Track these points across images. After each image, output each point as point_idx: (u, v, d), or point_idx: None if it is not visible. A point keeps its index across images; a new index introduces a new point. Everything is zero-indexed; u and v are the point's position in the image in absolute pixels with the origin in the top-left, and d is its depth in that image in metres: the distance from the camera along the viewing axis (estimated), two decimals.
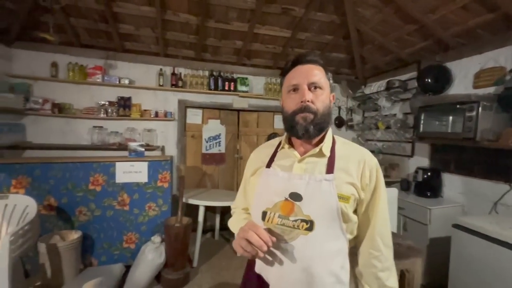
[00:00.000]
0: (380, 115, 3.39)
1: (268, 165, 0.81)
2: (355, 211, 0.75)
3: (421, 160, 2.90)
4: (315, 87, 0.74)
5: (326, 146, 0.76)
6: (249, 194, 0.88)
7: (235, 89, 3.41)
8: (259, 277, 0.78)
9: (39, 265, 2.01)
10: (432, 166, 2.73)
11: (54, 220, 2.26)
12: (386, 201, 0.78)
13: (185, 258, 2.39)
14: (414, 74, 2.97)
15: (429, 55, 2.77)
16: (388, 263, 0.76)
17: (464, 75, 2.45)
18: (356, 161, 0.75)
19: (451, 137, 2.30)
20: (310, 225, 0.69)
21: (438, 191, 2.60)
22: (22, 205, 1.87)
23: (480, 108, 1.99)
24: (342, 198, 0.70)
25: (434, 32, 2.46)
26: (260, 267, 0.78)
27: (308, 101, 0.72)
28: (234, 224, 0.88)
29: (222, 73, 3.36)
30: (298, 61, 0.76)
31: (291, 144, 0.81)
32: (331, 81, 0.80)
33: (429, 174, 2.59)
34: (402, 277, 1.05)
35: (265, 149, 0.88)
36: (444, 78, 2.53)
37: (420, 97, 2.74)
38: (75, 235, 2.19)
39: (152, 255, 2.21)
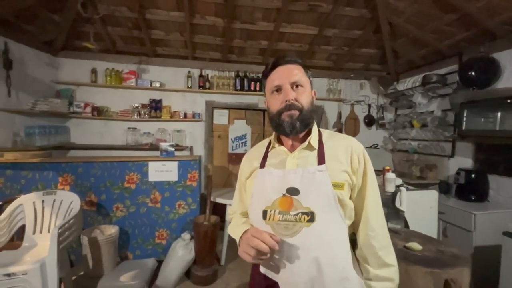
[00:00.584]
0: (415, 113, 3.18)
1: (262, 166, 0.83)
2: (350, 197, 0.78)
3: (463, 160, 2.67)
4: (297, 86, 0.78)
5: (313, 139, 0.80)
6: (246, 198, 0.90)
7: (261, 89, 3.40)
8: (265, 278, 0.78)
9: (82, 256, 2.18)
10: (477, 167, 2.50)
11: (94, 215, 2.43)
12: (376, 184, 0.80)
13: (213, 255, 2.44)
14: (454, 67, 2.74)
15: (472, 46, 2.54)
16: (384, 241, 0.78)
17: None
18: (344, 149, 0.79)
19: (501, 135, 2.09)
20: (311, 217, 0.72)
21: (483, 195, 2.36)
22: (68, 201, 2.04)
23: None
24: (337, 186, 0.74)
25: (478, 20, 2.24)
26: (265, 267, 0.78)
27: (292, 99, 0.76)
28: (234, 230, 0.89)
29: (247, 74, 3.39)
30: (278, 63, 0.80)
31: (280, 143, 0.86)
32: (311, 79, 0.84)
33: (473, 176, 2.37)
34: (447, 287, 0.96)
35: (256, 151, 0.91)
36: (490, 71, 2.30)
37: (462, 92, 2.52)
38: (112, 229, 2.34)
39: (182, 252, 2.28)
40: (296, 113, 0.76)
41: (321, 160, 0.76)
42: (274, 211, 0.75)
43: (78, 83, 3.08)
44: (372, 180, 0.80)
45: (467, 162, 2.62)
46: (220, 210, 2.74)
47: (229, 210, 1.02)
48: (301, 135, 0.82)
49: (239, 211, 0.97)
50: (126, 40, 3.08)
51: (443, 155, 2.88)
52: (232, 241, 2.88)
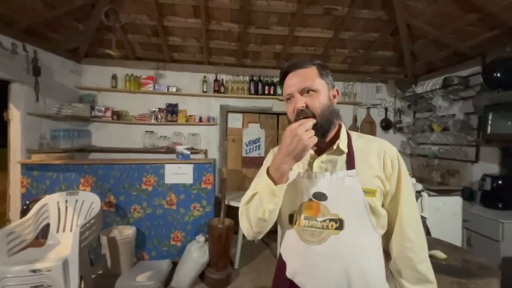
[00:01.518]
0: (435, 116, 3.07)
1: None
2: (383, 205, 0.73)
3: (488, 166, 2.54)
4: (308, 91, 0.73)
5: (342, 142, 0.75)
6: None
7: (275, 93, 3.42)
8: (291, 284, 0.76)
9: (101, 256, 2.25)
10: (504, 173, 2.37)
11: (113, 215, 2.51)
12: (411, 189, 0.75)
13: (227, 258, 2.44)
14: (477, 69, 2.63)
15: (496, 47, 2.43)
16: (423, 254, 0.72)
17: None
18: (376, 152, 0.74)
19: None
20: (339, 224, 0.68)
21: (511, 202, 2.23)
22: (89, 201, 2.11)
23: None
24: (368, 192, 0.69)
25: (502, 19, 2.16)
26: (292, 273, 0.76)
27: (302, 107, 0.72)
28: (254, 187, 0.77)
29: (262, 78, 3.41)
30: (289, 69, 0.77)
31: None
32: (330, 77, 0.77)
33: (500, 182, 2.24)
34: None
35: None
36: None
37: (486, 94, 2.41)
38: (130, 230, 2.40)
39: (197, 254, 2.30)
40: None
41: (351, 164, 0.72)
42: (300, 216, 0.73)
43: (100, 89, 3.21)
44: (407, 186, 0.74)
45: (493, 168, 2.49)
46: (234, 213, 2.75)
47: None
48: (328, 138, 0.77)
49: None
50: (145, 47, 3.19)
51: (466, 160, 2.75)
52: (245, 244, 2.88)
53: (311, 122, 0.67)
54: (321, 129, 0.71)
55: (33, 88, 2.50)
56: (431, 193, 1.81)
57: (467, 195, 2.51)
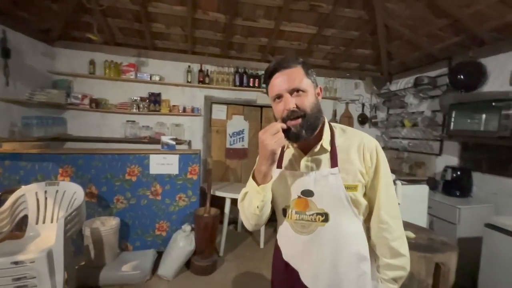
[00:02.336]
0: (406, 113, 3.33)
1: (278, 165, 0.84)
2: (365, 194, 0.80)
3: (449, 158, 2.84)
4: (298, 91, 0.74)
5: (325, 142, 0.80)
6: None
7: (259, 86, 3.47)
8: (287, 265, 0.85)
9: (84, 247, 2.20)
10: (462, 165, 2.67)
11: (95, 206, 2.45)
12: (389, 177, 0.82)
13: (213, 246, 2.51)
14: (444, 70, 2.89)
15: (461, 51, 2.69)
16: (397, 232, 0.80)
17: (500, 72, 2.36)
18: (356, 148, 0.79)
19: (485, 135, 2.24)
20: (325, 217, 0.77)
21: (467, 191, 2.54)
22: (71, 192, 2.05)
23: None
24: (350, 188, 0.76)
25: (468, 26, 2.39)
26: (287, 256, 0.86)
27: (293, 107, 0.73)
28: (247, 187, 0.84)
29: (247, 70, 3.43)
30: (276, 69, 0.76)
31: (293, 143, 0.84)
32: (314, 77, 0.80)
33: (458, 173, 2.54)
34: (437, 269, 1.08)
35: None
36: (477, 75, 2.45)
37: (450, 94, 2.67)
38: (113, 221, 2.36)
39: (183, 243, 2.34)
40: (299, 121, 0.74)
41: (334, 162, 0.78)
42: (292, 211, 0.81)
43: (75, 74, 3.04)
44: (385, 175, 0.80)
45: (453, 160, 2.79)
46: (219, 203, 2.81)
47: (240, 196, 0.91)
48: (314, 135, 0.79)
49: None
50: (126, 32, 3.05)
51: (432, 153, 3.05)
52: (228, 233, 2.96)
53: (278, 125, 0.71)
54: (311, 127, 0.76)
55: (2, 71, 2.32)
56: (403, 182, 2.01)
57: (431, 184, 2.79)
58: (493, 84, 2.42)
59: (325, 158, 0.80)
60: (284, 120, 0.75)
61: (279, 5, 2.69)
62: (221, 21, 2.90)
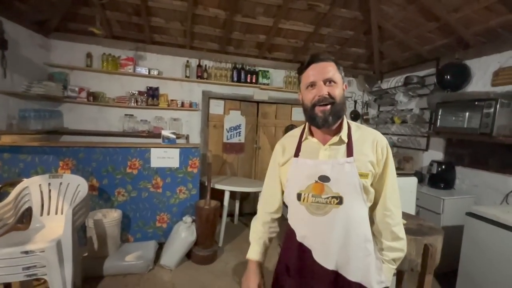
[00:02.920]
0: (396, 110, 3.51)
1: (296, 155, 0.94)
2: (371, 184, 0.90)
3: (435, 154, 3.04)
4: (330, 82, 0.85)
5: (344, 134, 0.89)
6: (281, 177, 1.03)
7: (257, 82, 3.55)
8: (300, 245, 0.94)
9: (87, 239, 2.24)
10: (446, 160, 2.87)
11: (96, 199, 2.48)
12: (395, 172, 0.93)
13: (213, 237, 2.61)
14: (432, 70, 3.06)
15: (448, 53, 2.86)
16: (398, 219, 0.92)
17: (483, 73, 2.55)
18: (370, 142, 0.90)
19: (467, 132, 2.42)
20: (339, 200, 0.85)
21: (451, 183, 2.74)
22: (75, 184, 2.08)
23: (498, 106, 2.10)
24: (362, 175, 0.86)
25: (455, 30, 2.54)
26: (301, 237, 0.94)
27: (325, 94, 0.84)
28: (252, 236, 1.09)
29: (244, 66, 3.49)
30: (313, 60, 0.88)
31: (312, 135, 0.95)
32: (343, 74, 0.91)
33: (443, 167, 2.73)
34: (426, 250, 1.22)
35: (289, 141, 1.00)
36: (463, 76, 2.63)
37: (438, 93, 2.85)
38: (115, 213, 2.41)
39: (185, 233, 2.42)
40: (328, 108, 0.85)
41: (349, 152, 0.87)
42: (308, 194, 0.89)
43: (72, 67, 3.01)
44: (392, 169, 0.91)
45: (439, 155, 2.99)
46: (218, 196, 2.89)
47: (258, 205, 1.13)
48: (333, 128, 0.90)
49: (267, 198, 1.08)
50: (124, 26, 3.04)
51: (419, 148, 3.24)
52: (226, 225, 3.05)
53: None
54: (337, 115, 0.87)
55: (0, 62, 2.28)
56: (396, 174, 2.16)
57: (418, 177, 2.96)
58: (476, 85, 2.60)
59: (342, 149, 0.89)
60: (314, 105, 0.86)
61: (278, 4, 2.76)
62: (221, 17, 2.94)
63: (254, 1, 2.73)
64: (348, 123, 0.95)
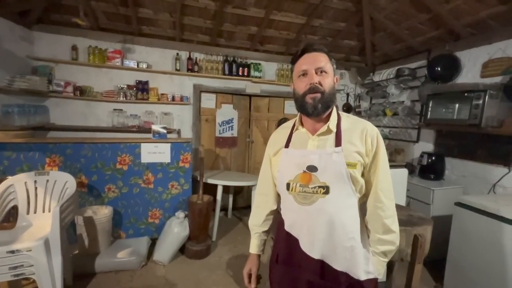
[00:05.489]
0: (388, 102, 3.52)
1: (287, 145, 0.95)
2: (363, 174, 0.89)
3: (425, 145, 3.07)
4: (321, 71, 0.86)
5: (332, 123, 0.90)
6: (273, 168, 1.04)
7: (249, 75, 3.50)
8: (288, 234, 0.95)
9: (77, 236, 2.20)
10: (436, 151, 2.91)
11: (85, 196, 2.43)
12: (387, 163, 0.91)
13: (207, 232, 2.60)
14: (423, 62, 3.07)
15: (439, 44, 2.87)
16: (390, 211, 0.90)
17: (472, 64, 2.56)
18: (359, 132, 0.89)
19: (457, 123, 2.45)
20: (326, 190, 0.85)
21: (440, 174, 2.78)
22: (62, 181, 2.03)
23: (487, 97, 2.13)
24: (350, 165, 0.85)
25: (446, 21, 2.54)
26: (289, 226, 0.95)
27: (316, 83, 0.85)
28: (251, 227, 1.12)
29: (236, 59, 3.44)
30: (306, 50, 0.89)
31: (303, 125, 0.96)
32: (335, 66, 0.92)
33: (433, 158, 2.77)
34: (416, 240, 1.23)
35: (282, 132, 1.02)
36: (453, 67, 2.65)
37: (428, 85, 2.86)
38: (105, 210, 2.37)
39: (178, 229, 2.40)
40: (318, 95, 0.85)
41: (338, 142, 0.87)
42: (296, 184, 0.89)
43: (57, 60, 2.90)
44: (383, 159, 0.89)
45: (429, 147, 3.03)
46: (210, 190, 2.87)
47: (252, 201, 1.15)
48: (323, 116, 0.90)
49: (261, 191, 1.10)
50: (110, 17, 2.93)
51: (410, 140, 3.27)
52: (220, 219, 3.05)
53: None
54: (325, 104, 0.87)
55: None
56: None
57: (409, 169, 3.00)
58: (466, 76, 2.62)
59: (331, 138, 0.89)
60: (305, 94, 0.87)
61: None
62: (211, 8, 2.86)
63: None
64: (338, 113, 0.95)
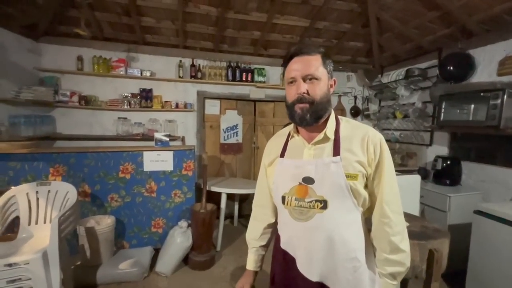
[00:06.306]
0: (397, 104, 3.38)
1: (282, 155, 0.88)
2: (366, 186, 0.80)
3: (440, 149, 2.91)
4: (311, 78, 0.78)
5: (329, 130, 0.81)
6: (268, 178, 0.96)
7: (252, 80, 3.45)
8: (284, 253, 0.86)
9: (79, 247, 2.18)
10: (451, 155, 2.74)
11: (88, 205, 2.41)
12: (393, 172, 0.82)
13: (210, 241, 2.52)
14: (434, 62, 2.94)
15: (451, 43, 2.73)
16: (398, 227, 0.79)
17: (488, 62, 2.42)
18: (360, 139, 0.80)
19: (473, 125, 2.30)
20: (324, 204, 0.77)
21: (457, 179, 2.62)
22: (63, 191, 2.01)
23: (505, 96, 1.98)
24: (350, 176, 0.76)
25: (457, 18, 2.42)
26: (284, 243, 0.86)
27: (304, 93, 0.77)
28: (248, 241, 1.05)
29: (239, 64, 3.40)
30: (295, 53, 0.80)
31: (298, 132, 0.87)
32: (331, 67, 0.83)
33: (448, 162, 2.60)
34: (431, 255, 1.12)
35: (278, 140, 0.94)
36: (466, 66, 2.50)
37: (441, 85, 2.72)
38: (108, 219, 2.34)
39: (180, 239, 2.34)
40: (306, 106, 0.77)
41: (336, 151, 0.78)
42: (291, 198, 0.81)
43: (63, 71, 2.95)
44: (389, 169, 0.80)
45: (443, 150, 2.86)
46: (214, 199, 2.81)
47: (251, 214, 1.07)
48: (319, 123, 0.81)
49: (258, 202, 1.03)
50: (114, 27, 2.97)
51: (422, 144, 3.11)
52: (225, 228, 2.97)
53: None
54: (315, 114, 0.78)
55: None
56: (396, 172, 2.05)
57: (423, 174, 2.86)
58: (481, 75, 2.47)
59: (328, 147, 0.81)
60: (294, 103, 0.79)
61: None
62: (213, 14, 2.85)
63: None
64: (337, 118, 0.86)
